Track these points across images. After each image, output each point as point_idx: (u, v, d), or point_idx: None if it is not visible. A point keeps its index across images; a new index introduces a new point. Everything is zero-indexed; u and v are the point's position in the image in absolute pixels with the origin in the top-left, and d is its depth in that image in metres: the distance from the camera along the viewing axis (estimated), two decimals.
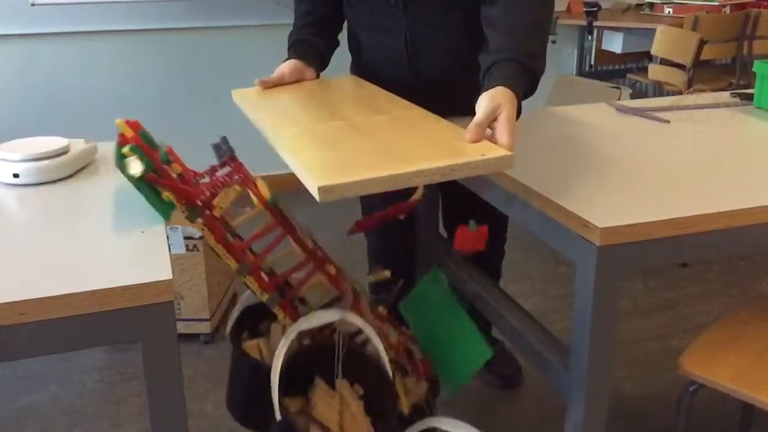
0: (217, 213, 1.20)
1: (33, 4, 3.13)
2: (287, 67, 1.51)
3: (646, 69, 3.69)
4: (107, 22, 3.37)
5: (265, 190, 1.26)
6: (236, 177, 1.24)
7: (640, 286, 2.70)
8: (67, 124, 3.41)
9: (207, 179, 1.24)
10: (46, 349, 0.89)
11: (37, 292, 0.87)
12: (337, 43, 1.65)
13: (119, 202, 1.18)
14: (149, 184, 1.11)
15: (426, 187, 1.66)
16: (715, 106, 1.72)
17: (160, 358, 0.94)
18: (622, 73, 4.07)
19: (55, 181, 1.29)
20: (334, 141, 1.15)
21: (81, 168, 1.36)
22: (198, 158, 4.23)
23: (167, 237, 1.03)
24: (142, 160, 1.09)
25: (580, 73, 4.12)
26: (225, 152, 1.25)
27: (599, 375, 1.11)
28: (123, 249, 1.00)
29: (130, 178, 1.10)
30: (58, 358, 2.28)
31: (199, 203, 1.18)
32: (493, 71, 1.20)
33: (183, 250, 2.26)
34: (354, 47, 1.70)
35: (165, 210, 1.13)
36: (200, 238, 2.26)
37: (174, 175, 1.17)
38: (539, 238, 1.20)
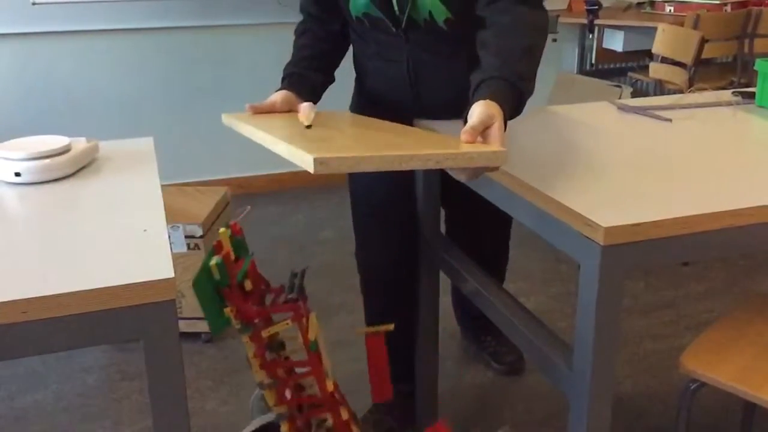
0: (264, 335, 1.31)
1: (34, 3, 3.13)
2: (279, 96, 1.51)
3: (647, 67, 3.68)
4: (108, 21, 3.37)
5: (313, 332, 1.36)
6: (290, 313, 1.35)
7: (641, 284, 2.70)
8: (68, 123, 3.41)
9: (271, 298, 1.37)
10: (48, 348, 0.89)
11: (39, 290, 0.87)
12: (332, 80, 1.66)
13: (121, 201, 1.18)
14: (221, 296, 1.24)
15: (427, 185, 1.66)
16: (717, 104, 1.72)
17: (161, 356, 0.94)
18: (623, 71, 4.07)
19: (56, 180, 1.29)
20: (328, 138, 1.16)
21: (82, 167, 1.36)
22: (197, 156, 4.21)
23: (168, 236, 1.03)
24: (221, 275, 1.25)
25: (581, 71, 4.12)
26: (296, 286, 1.35)
27: (603, 374, 1.11)
28: (125, 247, 0.99)
29: (197, 285, 1.24)
30: (59, 356, 2.28)
31: (253, 323, 1.30)
32: (482, 87, 1.21)
33: (184, 249, 2.26)
34: (360, 74, 1.73)
35: (220, 324, 1.26)
36: (201, 237, 2.26)
37: (246, 289, 1.30)
38: (540, 237, 1.20)
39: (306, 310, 1.34)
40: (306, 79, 1.58)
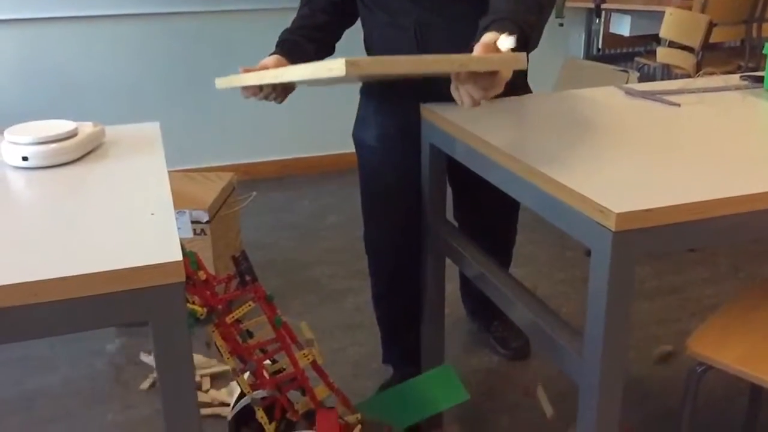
0: (228, 320, 1.34)
1: None
2: (271, 61, 1.52)
3: (654, 52, 3.66)
4: (112, 7, 3.35)
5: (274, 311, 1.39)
6: (251, 295, 1.37)
7: (647, 269, 2.70)
8: (73, 109, 3.41)
9: (223, 286, 1.38)
10: (57, 330, 0.89)
11: (48, 273, 0.87)
12: (329, 52, 1.66)
13: (128, 185, 1.18)
14: None
15: (433, 170, 1.66)
16: (725, 89, 1.71)
17: (170, 338, 0.94)
18: (630, 56, 4.04)
19: (63, 164, 1.29)
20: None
21: (89, 151, 1.36)
22: (203, 142, 4.19)
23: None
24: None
25: (588, 56, 4.10)
26: (244, 269, 1.36)
27: (614, 360, 1.11)
28: (133, 230, 1.00)
29: None
30: (67, 340, 2.29)
31: (217, 310, 1.32)
32: (491, 27, 1.20)
33: (190, 234, 2.26)
34: (368, 49, 1.73)
35: (190, 323, 1.24)
36: (207, 222, 2.27)
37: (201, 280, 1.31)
38: (545, 223, 1.20)
39: (263, 290, 1.38)
40: (299, 46, 1.58)
